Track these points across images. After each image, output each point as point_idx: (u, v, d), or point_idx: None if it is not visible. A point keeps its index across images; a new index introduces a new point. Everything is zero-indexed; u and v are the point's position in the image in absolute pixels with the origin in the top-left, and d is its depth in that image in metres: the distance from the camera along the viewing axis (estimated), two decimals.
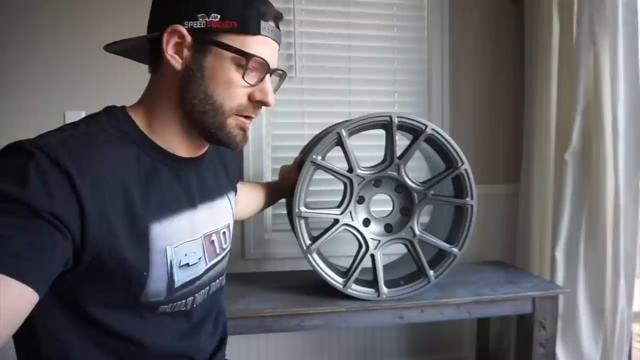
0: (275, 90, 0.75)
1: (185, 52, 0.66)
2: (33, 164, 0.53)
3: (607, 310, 1.43)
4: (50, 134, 0.59)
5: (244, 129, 0.71)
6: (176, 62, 0.66)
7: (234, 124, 0.69)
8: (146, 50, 0.70)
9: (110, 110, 0.69)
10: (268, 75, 0.70)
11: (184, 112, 0.68)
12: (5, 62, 1.49)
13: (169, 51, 0.66)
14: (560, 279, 1.51)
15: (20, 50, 1.50)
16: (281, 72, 0.76)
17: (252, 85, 0.68)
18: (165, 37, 0.65)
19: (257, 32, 0.66)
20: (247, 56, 0.65)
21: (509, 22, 1.85)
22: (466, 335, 1.86)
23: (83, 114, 1.48)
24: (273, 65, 0.70)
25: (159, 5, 0.69)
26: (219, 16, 0.64)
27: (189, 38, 0.65)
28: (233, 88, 0.67)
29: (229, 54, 0.65)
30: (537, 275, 1.55)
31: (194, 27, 0.64)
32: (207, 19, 0.64)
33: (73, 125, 0.63)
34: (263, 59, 0.67)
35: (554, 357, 1.38)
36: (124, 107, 0.70)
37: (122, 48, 0.71)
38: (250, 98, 0.69)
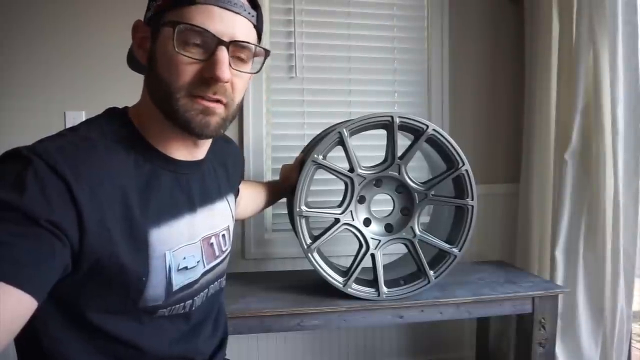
0: (258, 70, 0.70)
1: (148, 44, 0.66)
2: (31, 171, 0.53)
3: (606, 309, 1.43)
4: (48, 140, 0.59)
5: (206, 113, 0.64)
6: (141, 57, 0.67)
7: (190, 106, 0.63)
8: None
9: (110, 113, 0.68)
10: (224, 48, 0.62)
11: (156, 106, 0.66)
12: (5, 62, 1.49)
13: (136, 47, 0.67)
14: (559, 279, 1.51)
15: (21, 51, 1.50)
16: (246, 44, 0.65)
17: (200, 61, 0.62)
18: (132, 35, 0.67)
19: (191, 1, 0.61)
20: (173, 24, 0.60)
21: (509, 22, 1.85)
22: (466, 335, 1.86)
23: (83, 114, 1.51)
24: (226, 36, 0.62)
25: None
26: None
27: (147, 30, 0.66)
28: (177, 66, 0.62)
29: (169, 31, 0.61)
30: (537, 275, 1.55)
31: (148, 16, 0.66)
32: (154, 4, 0.64)
33: (72, 129, 0.63)
34: (199, 27, 0.60)
35: (553, 356, 1.38)
36: (125, 108, 0.70)
37: (132, 62, 0.73)
38: (203, 75, 0.62)
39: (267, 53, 0.70)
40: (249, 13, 0.66)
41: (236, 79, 0.66)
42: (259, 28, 0.69)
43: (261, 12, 0.70)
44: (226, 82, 0.63)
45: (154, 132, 0.68)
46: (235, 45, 0.64)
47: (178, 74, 0.62)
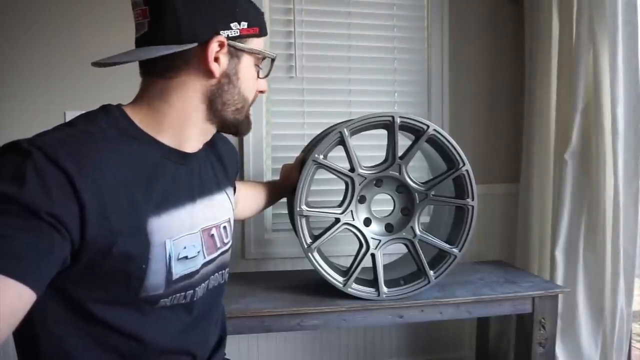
0: (267, 75, 0.83)
1: (222, 59, 0.70)
2: (31, 163, 0.53)
3: (606, 309, 1.44)
4: (47, 133, 0.59)
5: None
6: (216, 70, 0.69)
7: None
8: (160, 58, 0.68)
9: (106, 109, 0.68)
10: None
11: (211, 113, 0.73)
12: (6, 62, 1.49)
13: (211, 59, 0.68)
14: (559, 279, 1.51)
15: (22, 51, 1.50)
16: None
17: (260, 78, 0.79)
18: (210, 47, 0.68)
19: (266, 33, 0.76)
20: (270, 56, 0.78)
21: (508, 22, 1.85)
22: (466, 335, 1.86)
23: None
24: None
25: (189, 17, 0.67)
26: (246, 24, 0.71)
27: (226, 46, 0.69)
28: (254, 83, 0.77)
29: (253, 56, 0.74)
30: (537, 275, 1.56)
31: (230, 35, 0.69)
32: (239, 27, 0.70)
33: (69, 124, 0.63)
34: (275, 57, 0.80)
35: (553, 356, 1.38)
36: (119, 105, 0.70)
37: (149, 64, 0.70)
38: (258, 90, 0.80)
39: (272, 61, 0.83)
40: None
41: None
42: None
43: None
44: None
45: (168, 130, 0.69)
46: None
47: (253, 90, 0.78)
